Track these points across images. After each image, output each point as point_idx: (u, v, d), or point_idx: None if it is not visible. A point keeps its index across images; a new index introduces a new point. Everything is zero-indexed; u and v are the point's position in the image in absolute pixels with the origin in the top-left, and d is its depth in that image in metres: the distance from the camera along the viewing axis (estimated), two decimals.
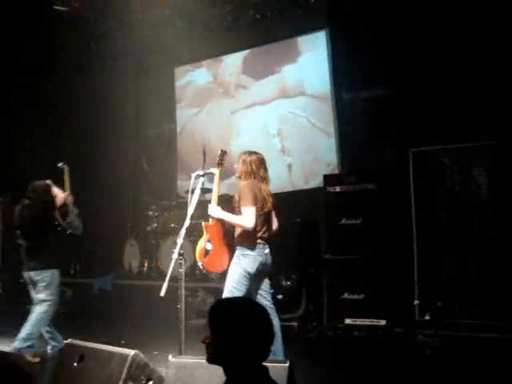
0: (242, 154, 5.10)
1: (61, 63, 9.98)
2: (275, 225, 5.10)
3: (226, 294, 4.66)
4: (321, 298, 6.57)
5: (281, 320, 6.39)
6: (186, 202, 6.59)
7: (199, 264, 4.85)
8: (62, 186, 6.16)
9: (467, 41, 6.88)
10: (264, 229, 4.88)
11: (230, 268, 4.78)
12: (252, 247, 4.75)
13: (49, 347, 5.84)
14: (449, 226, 6.06)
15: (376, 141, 7.68)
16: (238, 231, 4.85)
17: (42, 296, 5.78)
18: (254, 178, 4.98)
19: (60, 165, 6.43)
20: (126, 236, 9.34)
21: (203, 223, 4.88)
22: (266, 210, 4.89)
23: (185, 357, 3.74)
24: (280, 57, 9.21)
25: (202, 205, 5.07)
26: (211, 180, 5.02)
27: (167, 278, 4.09)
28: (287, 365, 3.06)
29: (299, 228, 7.02)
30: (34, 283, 5.83)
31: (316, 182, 8.17)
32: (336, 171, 8.17)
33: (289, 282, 6.71)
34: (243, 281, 4.69)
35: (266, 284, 4.93)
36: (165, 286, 4.08)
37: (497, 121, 6.39)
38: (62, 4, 9.09)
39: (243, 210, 4.72)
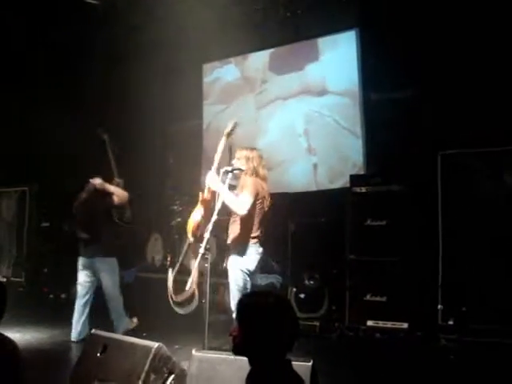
0: (243, 150, 5.04)
1: (91, 57, 10.05)
2: None
3: (233, 294, 4.71)
4: (343, 298, 6.54)
5: (302, 319, 6.45)
6: None
7: (190, 239, 4.84)
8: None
9: (498, 43, 6.79)
10: (260, 229, 4.89)
11: (231, 271, 4.79)
12: (250, 245, 4.77)
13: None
14: (476, 230, 5.98)
15: (403, 142, 7.62)
16: (234, 232, 4.84)
17: (110, 282, 6.35)
18: (257, 175, 4.95)
19: (100, 131, 6.67)
20: (151, 230, 9.41)
21: (200, 194, 4.86)
22: (265, 209, 4.90)
23: (208, 351, 3.76)
24: (307, 55, 9.16)
25: None
26: (238, 177, 5.02)
27: (194, 272, 4.11)
28: (311, 364, 3.06)
29: (323, 227, 7.00)
30: (95, 269, 6.35)
31: (341, 182, 8.14)
32: (362, 172, 8.12)
33: (312, 282, 6.70)
34: (246, 279, 4.74)
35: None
36: (190, 280, 4.10)
37: None
38: None
39: (242, 195, 4.71)
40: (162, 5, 8.88)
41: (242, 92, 9.84)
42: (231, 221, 4.98)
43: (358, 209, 6.67)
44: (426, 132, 7.28)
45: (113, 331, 5.88)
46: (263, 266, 7.67)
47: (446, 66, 7.25)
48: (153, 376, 3.66)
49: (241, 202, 4.66)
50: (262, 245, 4.91)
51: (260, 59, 9.64)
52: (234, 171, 4.72)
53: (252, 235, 4.84)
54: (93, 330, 4.23)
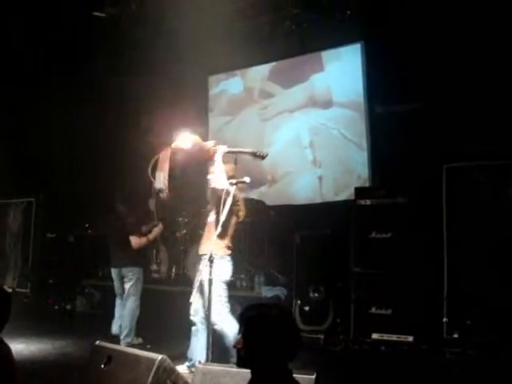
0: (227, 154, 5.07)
1: (96, 69, 10.12)
2: None
3: (217, 307, 4.67)
4: (348, 311, 6.51)
5: (307, 332, 6.43)
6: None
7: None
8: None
9: (504, 57, 6.81)
10: (233, 240, 4.93)
11: (214, 283, 4.66)
12: (228, 255, 4.81)
13: None
14: (481, 243, 5.96)
15: (408, 155, 7.63)
16: (211, 242, 4.79)
17: (132, 290, 6.59)
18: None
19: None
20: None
21: None
22: (240, 219, 4.96)
23: (211, 364, 3.76)
24: (311, 66, 9.24)
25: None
26: (242, 189, 5.04)
27: (197, 283, 4.11)
28: (314, 377, 3.06)
29: (328, 240, 6.98)
30: (123, 278, 6.69)
31: (346, 194, 8.15)
32: (367, 184, 8.14)
33: (316, 294, 6.67)
34: (226, 288, 4.80)
35: None
36: (194, 291, 4.11)
37: None
38: (101, 10, 9.25)
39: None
40: (168, 18, 8.96)
41: (248, 104, 9.89)
42: (206, 231, 5.00)
43: (363, 221, 6.66)
44: (430, 145, 7.28)
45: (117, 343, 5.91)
46: (268, 279, 7.72)
47: (451, 79, 7.27)
48: None
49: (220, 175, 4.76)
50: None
51: (265, 72, 9.70)
52: (238, 183, 4.73)
53: (229, 245, 4.87)
54: (97, 342, 4.23)
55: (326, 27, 8.58)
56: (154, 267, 8.60)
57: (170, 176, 4.98)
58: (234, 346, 2.36)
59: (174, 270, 8.76)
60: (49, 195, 10.42)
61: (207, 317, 4.42)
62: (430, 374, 5.47)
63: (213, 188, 4.91)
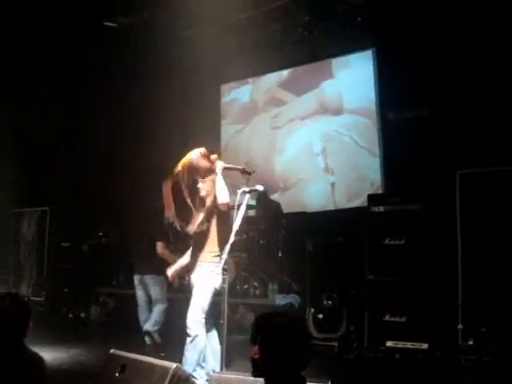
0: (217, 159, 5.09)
1: (108, 79, 10.20)
2: None
3: (197, 311, 4.70)
4: (362, 318, 6.48)
5: (320, 340, 6.40)
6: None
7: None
8: None
9: None
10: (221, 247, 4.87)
11: (201, 284, 4.78)
12: (218, 264, 4.71)
13: None
14: (495, 249, 5.91)
15: (422, 161, 7.61)
16: (204, 249, 4.86)
17: (158, 296, 6.93)
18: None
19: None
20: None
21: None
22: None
23: (226, 372, 3.76)
24: (322, 74, 9.27)
25: (245, 221, 5.11)
26: (254, 197, 5.06)
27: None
28: None
29: (341, 247, 6.96)
30: (146, 285, 6.94)
31: (359, 201, 8.14)
32: (380, 191, 8.13)
33: (330, 302, 6.64)
34: (210, 296, 4.76)
35: None
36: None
37: None
38: (113, 20, 9.33)
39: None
40: (181, 27, 9.01)
41: (259, 112, 9.92)
42: (197, 238, 4.99)
43: (377, 228, 6.63)
44: (443, 151, 7.26)
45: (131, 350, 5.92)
46: (282, 286, 7.70)
47: (463, 85, 7.25)
48: None
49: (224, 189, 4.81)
50: None
51: (276, 79, 9.73)
52: (251, 192, 4.73)
53: (217, 253, 4.84)
54: (112, 350, 4.25)
55: (337, 34, 8.60)
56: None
57: (177, 206, 5.09)
58: (251, 357, 2.35)
59: (187, 278, 8.74)
60: (63, 204, 10.48)
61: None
62: (445, 382, 5.43)
63: (202, 197, 4.98)
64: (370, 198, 6.98)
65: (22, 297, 3.09)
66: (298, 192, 9.20)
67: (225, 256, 4.33)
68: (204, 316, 4.75)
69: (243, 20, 8.93)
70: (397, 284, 6.32)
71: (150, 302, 7.00)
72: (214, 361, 4.73)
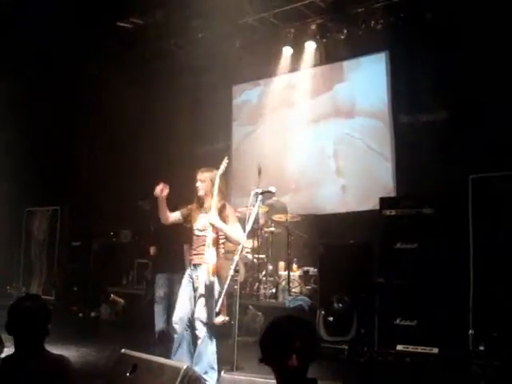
0: (204, 172, 5.15)
1: (121, 79, 10.23)
2: None
3: (201, 313, 4.79)
4: (372, 322, 6.45)
5: (331, 343, 6.38)
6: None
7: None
8: None
9: None
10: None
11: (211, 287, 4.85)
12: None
13: None
14: (507, 254, 5.87)
15: (434, 165, 7.58)
16: (212, 254, 4.89)
17: None
18: (224, 196, 5.11)
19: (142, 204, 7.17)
20: None
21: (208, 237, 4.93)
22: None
23: (237, 373, 3.75)
24: (334, 77, 9.26)
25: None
26: (267, 198, 5.06)
27: (223, 293, 4.12)
28: None
29: (352, 250, 6.94)
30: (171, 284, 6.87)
31: (370, 204, 8.09)
32: (392, 194, 8.08)
33: (340, 305, 6.62)
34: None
35: None
36: (219, 301, 4.11)
37: None
38: (126, 21, 9.36)
39: (235, 226, 4.90)
40: (193, 29, 9.03)
41: (271, 114, 9.90)
42: (199, 243, 5.05)
43: (388, 232, 6.60)
44: (456, 155, 7.23)
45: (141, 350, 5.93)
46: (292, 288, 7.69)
47: (476, 88, 7.21)
48: None
49: (240, 232, 4.81)
50: None
51: (289, 81, 9.71)
52: (264, 193, 4.73)
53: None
54: (123, 350, 4.25)
55: (350, 37, 8.57)
56: None
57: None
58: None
59: None
60: (74, 204, 10.53)
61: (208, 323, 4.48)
62: None
63: (200, 196, 5.12)
64: (382, 201, 6.93)
65: (44, 303, 3.10)
66: (310, 194, 9.19)
67: (236, 257, 4.33)
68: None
69: (255, 21, 8.93)
70: (408, 288, 6.29)
71: (170, 300, 6.92)
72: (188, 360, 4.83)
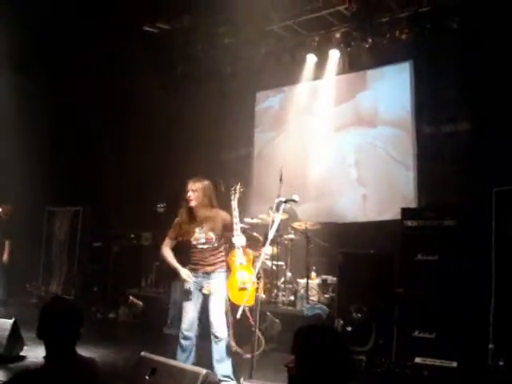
0: (196, 182, 5.22)
1: (147, 83, 10.31)
2: None
3: (222, 321, 5.06)
4: (391, 333, 6.41)
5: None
6: (256, 226, 6.80)
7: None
8: None
9: None
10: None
11: (219, 290, 5.13)
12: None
13: None
14: None
15: (456, 176, 7.53)
16: (220, 254, 5.20)
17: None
18: (213, 206, 5.25)
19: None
20: None
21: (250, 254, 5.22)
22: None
23: (255, 381, 3.76)
24: (357, 85, 9.25)
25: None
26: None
27: (244, 299, 4.14)
28: None
29: (372, 259, 6.91)
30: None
31: (391, 214, 8.07)
32: (412, 204, 8.04)
33: (359, 315, 6.59)
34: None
35: None
36: (241, 308, 4.12)
37: None
38: (153, 26, 9.44)
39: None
40: (219, 35, 9.09)
41: (293, 121, 9.92)
42: (207, 254, 5.18)
43: (409, 242, 6.55)
44: (480, 167, 7.18)
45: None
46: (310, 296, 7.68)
47: (501, 99, 7.16)
48: None
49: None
50: None
51: (312, 89, 9.71)
52: (288, 202, 4.74)
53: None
54: (142, 353, 4.28)
55: (374, 46, 8.56)
56: None
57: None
58: (286, 365, 2.34)
59: None
60: (96, 205, 10.62)
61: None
62: None
63: (192, 207, 5.22)
64: (404, 211, 6.88)
65: (78, 308, 3.09)
66: (330, 203, 9.17)
67: (258, 264, 4.34)
68: None
69: (281, 29, 8.97)
70: (428, 300, 6.25)
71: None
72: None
